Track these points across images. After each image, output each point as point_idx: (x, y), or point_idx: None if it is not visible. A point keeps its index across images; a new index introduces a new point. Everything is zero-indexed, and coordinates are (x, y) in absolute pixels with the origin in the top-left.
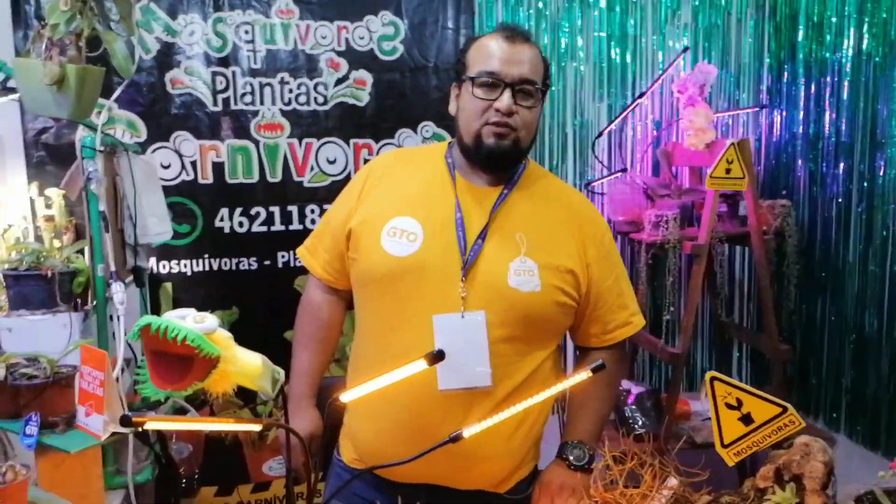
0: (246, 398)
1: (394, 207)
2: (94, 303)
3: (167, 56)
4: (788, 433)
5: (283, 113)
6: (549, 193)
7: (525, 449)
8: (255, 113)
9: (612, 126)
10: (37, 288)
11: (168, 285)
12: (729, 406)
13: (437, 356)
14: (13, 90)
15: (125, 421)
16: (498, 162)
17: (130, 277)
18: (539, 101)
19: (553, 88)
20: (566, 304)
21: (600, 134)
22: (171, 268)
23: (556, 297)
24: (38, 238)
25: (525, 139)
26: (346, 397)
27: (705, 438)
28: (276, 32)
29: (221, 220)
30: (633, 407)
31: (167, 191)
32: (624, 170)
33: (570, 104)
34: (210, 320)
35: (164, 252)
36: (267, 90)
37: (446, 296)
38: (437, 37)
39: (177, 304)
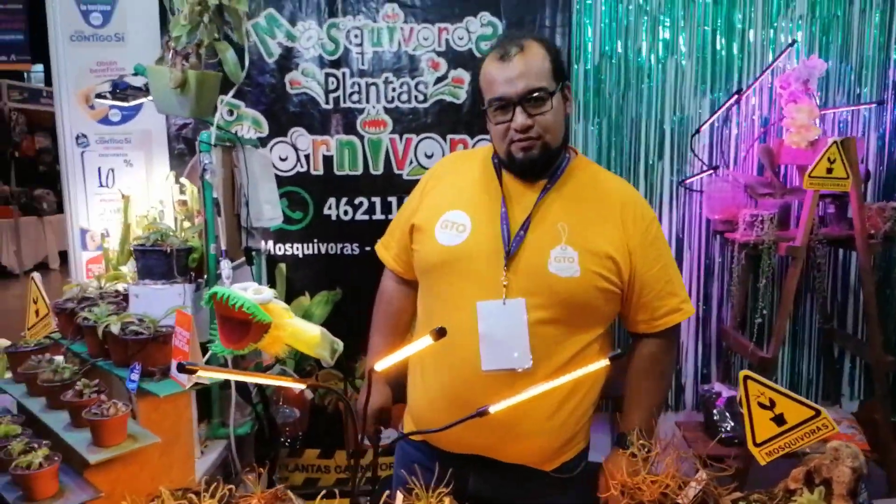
0: (345, 372)
1: (447, 202)
2: (206, 276)
3: (287, 59)
4: (821, 437)
5: (387, 110)
6: (594, 184)
7: (568, 430)
8: (362, 110)
9: (711, 122)
10: (158, 261)
11: (282, 265)
12: (762, 405)
13: (440, 332)
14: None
15: (181, 368)
16: (533, 169)
17: (242, 258)
18: (554, 100)
19: (650, 84)
20: (607, 290)
21: (698, 130)
22: (285, 250)
23: (595, 283)
24: (176, 220)
25: (553, 140)
26: (379, 366)
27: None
28: (382, 35)
29: (329, 208)
30: (722, 410)
31: (284, 181)
32: (716, 167)
33: (669, 100)
34: (266, 293)
35: (280, 236)
36: (372, 89)
37: (490, 283)
38: (536, 36)
39: (289, 283)
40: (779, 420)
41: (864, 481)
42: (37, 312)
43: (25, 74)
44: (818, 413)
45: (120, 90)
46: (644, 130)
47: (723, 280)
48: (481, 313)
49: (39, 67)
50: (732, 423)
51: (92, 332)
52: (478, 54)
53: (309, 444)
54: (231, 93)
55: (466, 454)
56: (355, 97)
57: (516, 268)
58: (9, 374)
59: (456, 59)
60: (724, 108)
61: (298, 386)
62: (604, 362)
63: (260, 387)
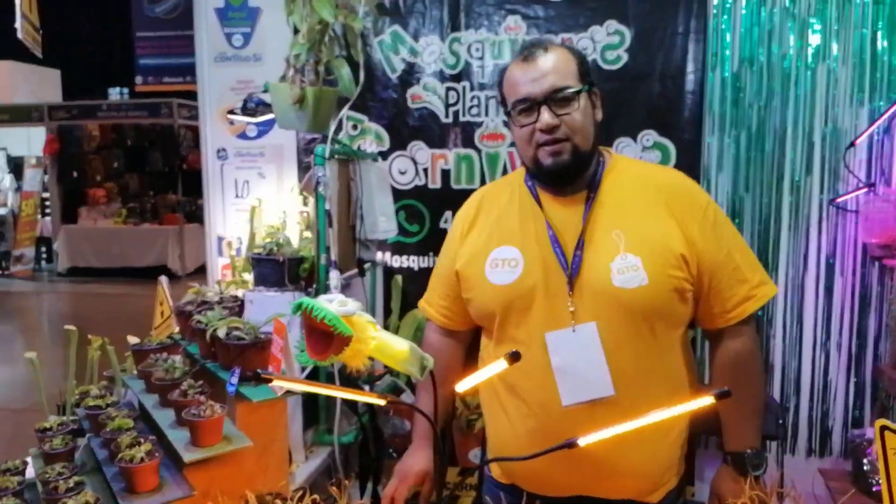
0: None
1: (492, 240)
2: (316, 285)
3: (409, 74)
4: None
5: (506, 123)
6: (639, 182)
7: (670, 458)
8: (480, 124)
9: (869, 134)
10: (272, 270)
11: (398, 277)
12: None
13: (514, 356)
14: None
15: (256, 377)
16: (565, 176)
17: (354, 269)
18: (581, 100)
19: (798, 92)
20: (682, 290)
21: (852, 143)
22: (402, 262)
23: (668, 286)
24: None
25: (583, 142)
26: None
27: None
28: (503, 48)
29: (445, 222)
30: (875, 460)
31: (403, 194)
32: (873, 185)
33: (819, 110)
34: (350, 305)
35: (397, 248)
36: (492, 102)
37: (556, 313)
38: (666, 43)
39: (405, 295)
40: None
41: None
42: (162, 314)
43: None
44: None
45: (248, 106)
46: (790, 143)
47: (881, 312)
48: (551, 346)
49: None
50: None
51: (202, 334)
52: (602, 65)
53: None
54: (346, 108)
55: (564, 497)
56: (474, 111)
57: (580, 291)
58: (135, 371)
59: None
60: (883, 118)
61: (377, 401)
62: (708, 399)
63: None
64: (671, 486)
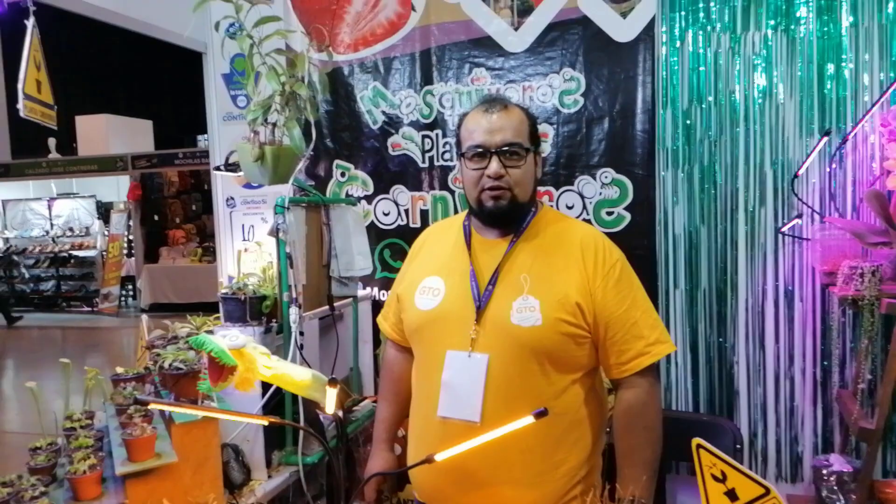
0: None
1: (425, 271)
2: (277, 321)
3: (389, 125)
4: None
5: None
6: (559, 233)
7: (554, 483)
8: (452, 167)
9: (820, 166)
10: (236, 307)
11: None
12: (715, 478)
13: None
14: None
15: (137, 401)
16: (501, 219)
17: (325, 306)
18: (528, 158)
19: (748, 127)
20: (575, 335)
21: (795, 175)
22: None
23: (559, 329)
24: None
25: (522, 194)
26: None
27: None
28: (471, 97)
29: None
30: (834, 486)
31: (387, 233)
32: (800, 216)
33: (769, 142)
34: (240, 339)
35: (384, 283)
36: None
37: (460, 338)
38: (618, 86)
39: None
40: (731, 495)
41: None
42: (142, 347)
43: None
44: (768, 492)
45: (230, 163)
46: (742, 175)
47: (844, 337)
48: (447, 362)
49: None
50: (843, 500)
51: (157, 365)
52: (561, 108)
53: (409, 480)
54: (301, 165)
55: None
56: (447, 155)
57: (484, 322)
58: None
59: (540, 114)
60: (815, 151)
61: (259, 421)
62: (528, 419)
63: (339, 422)
64: None
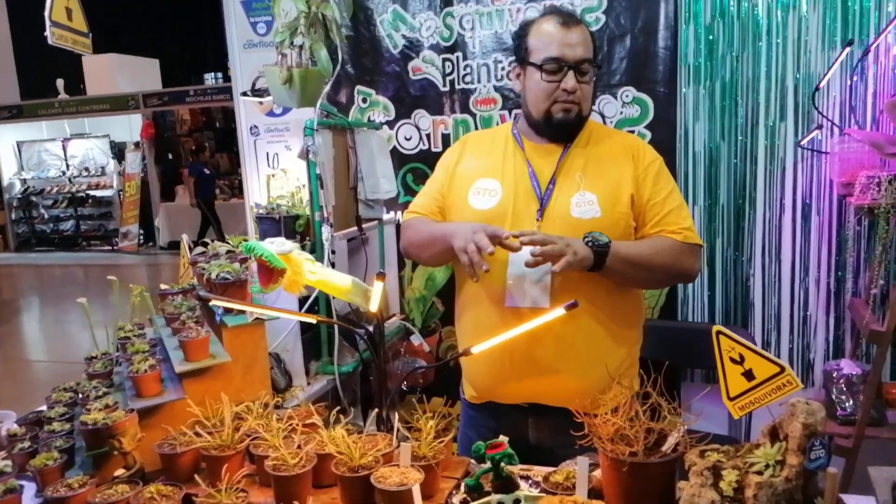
0: None
1: (476, 173)
2: (311, 238)
3: (409, 49)
4: (786, 393)
5: (496, 89)
6: (605, 139)
7: (604, 372)
8: (473, 90)
9: (840, 78)
10: (271, 226)
11: None
12: (733, 360)
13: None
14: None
15: (199, 297)
16: (565, 130)
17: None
18: (593, 74)
19: (770, 41)
20: (629, 224)
21: (817, 87)
22: None
23: (618, 219)
24: None
25: (586, 109)
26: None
27: None
28: (492, 18)
29: None
30: (843, 388)
31: (409, 158)
32: (819, 127)
33: (791, 57)
34: (287, 245)
35: (407, 207)
36: (483, 70)
37: None
38: (640, 3)
39: None
40: (748, 375)
41: (821, 439)
42: (184, 265)
43: None
44: (783, 370)
45: (256, 88)
46: (763, 90)
47: (858, 248)
48: (512, 256)
49: None
50: (852, 402)
51: (203, 278)
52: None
53: (437, 394)
54: (328, 83)
55: (522, 405)
56: (468, 78)
57: (547, 218)
58: None
59: None
60: (837, 62)
61: (309, 319)
62: (560, 311)
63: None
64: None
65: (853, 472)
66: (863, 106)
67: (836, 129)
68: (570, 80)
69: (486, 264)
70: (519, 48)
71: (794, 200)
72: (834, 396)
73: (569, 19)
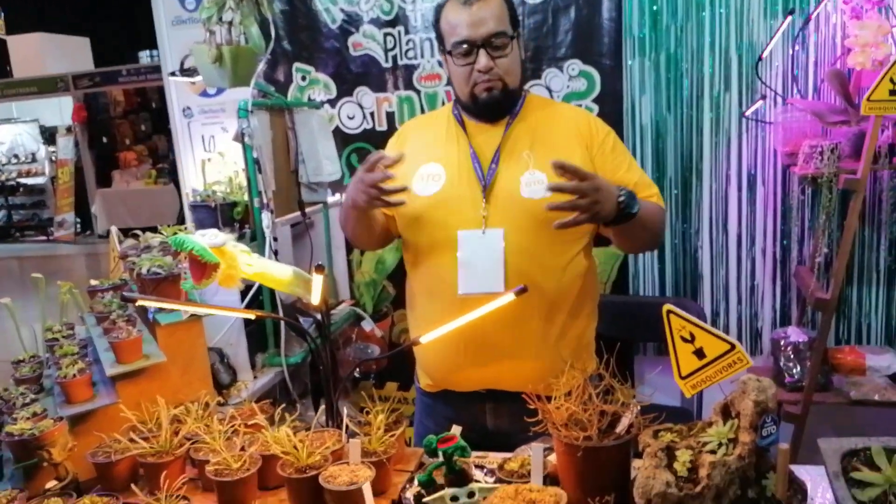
0: None
1: (419, 160)
2: (250, 226)
3: (349, 23)
4: (737, 370)
5: (440, 64)
6: (551, 113)
7: (563, 352)
8: (417, 66)
9: (783, 48)
10: (207, 215)
11: None
12: (683, 339)
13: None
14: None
15: (125, 298)
16: (495, 109)
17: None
18: (513, 44)
19: (713, 11)
20: None
21: (760, 57)
22: None
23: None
24: None
25: (512, 82)
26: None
27: (864, 395)
28: None
29: None
30: (791, 355)
31: (353, 138)
32: (763, 98)
33: (734, 27)
34: (220, 237)
35: None
36: (426, 45)
37: (470, 218)
38: None
39: None
40: (699, 354)
41: (772, 415)
42: (114, 259)
43: None
44: (733, 347)
45: (185, 68)
46: (707, 61)
47: (803, 216)
48: (461, 242)
49: None
50: (799, 369)
51: (134, 273)
52: None
53: (390, 379)
54: (262, 61)
55: (479, 391)
56: (411, 54)
57: (493, 199)
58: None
59: None
60: (779, 31)
61: (248, 315)
62: (509, 296)
63: (319, 323)
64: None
65: (801, 439)
66: (805, 75)
67: (779, 99)
68: (482, 60)
69: (396, 197)
70: (437, 37)
71: (740, 171)
72: (782, 364)
73: None
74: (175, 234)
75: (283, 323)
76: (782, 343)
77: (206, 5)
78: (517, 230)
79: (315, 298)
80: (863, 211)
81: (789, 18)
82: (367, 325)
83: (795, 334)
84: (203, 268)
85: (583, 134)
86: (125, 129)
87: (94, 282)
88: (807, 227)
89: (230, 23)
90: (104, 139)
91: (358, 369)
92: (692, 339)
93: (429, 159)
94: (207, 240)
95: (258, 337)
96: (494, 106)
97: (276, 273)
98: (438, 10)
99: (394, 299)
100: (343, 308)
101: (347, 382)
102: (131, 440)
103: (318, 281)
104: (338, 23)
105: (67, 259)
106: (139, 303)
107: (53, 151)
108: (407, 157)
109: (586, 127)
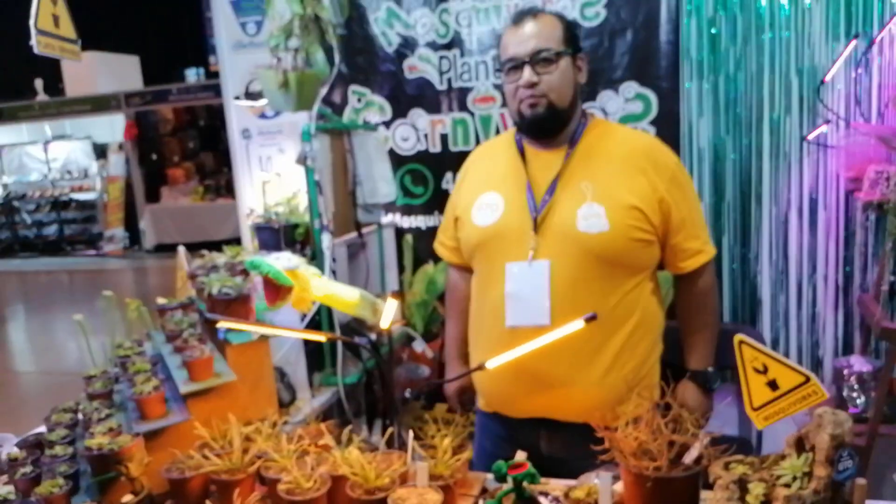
0: None
1: (480, 188)
2: (311, 247)
3: (405, 46)
4: (811, 403)
5: (495, 86)
6: (614, 141)
7: (622, 383)
8: (471, 88)
9: (846, 72)
10: (270, 236)
11: (409, 237)
12: (756, 370)
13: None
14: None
15: (207, 320)
16: (542, 128)
17: (354, 232)
18: (561, 62)
19: (773, 34)
20: (642, 238)
21: (822, 81)
22: (410, 223)
23: (627, 234)
24: None
25: (559, 100)
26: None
27: None
28: (489, 14)
29: (447, 182)
30: (854, 385)
31: (407, 159)
32: (826, 122)
33: (795, 49)
34: (293, 261)
35: (405, 210)
36: (481, 68)
37: (519, 249)
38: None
39: (415, 252)
40: (773, 385)
41: (848, 449)
42: (181, 278)
43: None
44: (808, 380)
45: (250, 91)
46: (767, 84)
47: (866, 242)
48: (508, 274)
49: None
50: (863, 399)
51: (204, 293)
52: (583, 22)
53: (441, 400)
54: (325, 88)
55: (534, 418)
56: (466, 76)
57: (545, 230)
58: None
59: None
60: (843, 56)
61: (318, 337)
62: (579, 323)
63: (374, 345)
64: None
65: (867, 471)
66: (868, 99)
67: (841, 123)
68: (525, 75)
69: None
70: (498, 61)
71: (801, 196)
72: (845, 394)
73: (522, 15)
74: (238, 253)
75: (339, 343)
76: (845, 372)
77: (274, 33)
78: (569, 263)
79: (385, 322)
80: None
81: (854, 42)
82: (419, 345)
83: (859, 363)
84: (277, 290)
85: (648, 165)
86: (174, 146)
87: (161, 300)
88: (870, 253)
89: (296, 49)
90: (153, 156)
91: (408, 390)
92: (765, 371)
93: (488, 188)
94: (281, 263)
95: (315, 356)
96: (540, 123)
97: (345, 295)
98: (499, 37)
99: (444, 320)
100: (395, 328)
101: (399, 404)
102: (204, 457)
103: (391, 306)
104: (394, 46)
105: (116, 273)
106: (219, 324)
107: (105, 168)
108: (470, 184)
109: (653, 158)
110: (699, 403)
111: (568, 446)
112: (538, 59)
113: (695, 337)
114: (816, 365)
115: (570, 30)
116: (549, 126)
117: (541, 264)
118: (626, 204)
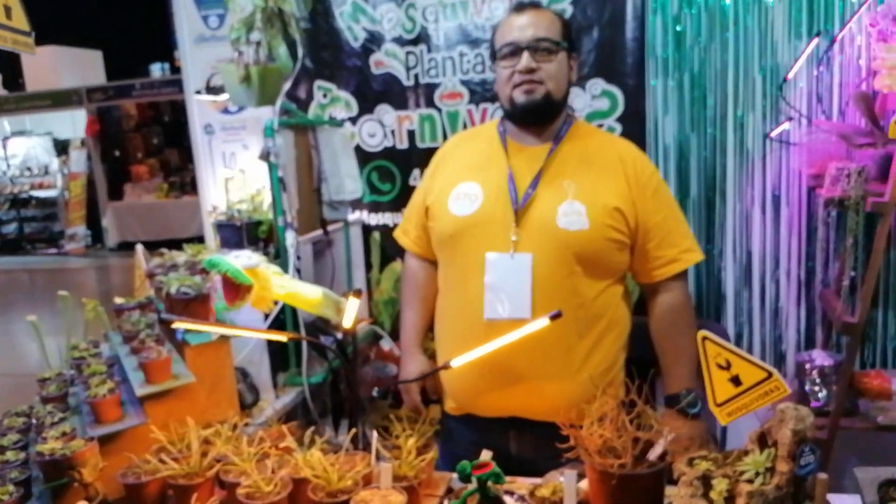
0: None
1: (457, 177)
2: (275, 245)
3: (371, 42)
4: (774, 399)
5: (462, 82)
6: (596, 143)
7: (588, 382)
8: (438, 84)
9: (809, 70)
10: (232, 233)
11: (376, 234)
12: (719, 366)
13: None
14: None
15: (162, 320)
16: (534, 115)
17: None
18: (560, 56)
19: (737, 31)
20: (618, 240)
21: (784, 79)
22: (378, 220)
23: (605, 234)
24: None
25: (556, 90)
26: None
27: (891, 420)
28: (456, 9)
29: (414, 179)
30: (816, 379)
31: (373, 156)
32: (789, 120)
33: (758, 47)
34: (253, 259)
35: (373, 207)
36: (448, 63)
37: (500, 241)
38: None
39: (383, 249)
40: (735, 381)
41: (810, 444)
42: (139, 277)
43: None
44: (770, 375)
45: (211, 86)
46: (731, 82)
47: (828, 238)
48: (489, 264)
49: None
50: (825, 393)
51: (162, 293)
52: None
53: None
54: (288, 82)
55: (504, 417)
56: (433, 72)
57: (526, 224)
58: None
59: None
60: (804, 54)
61: (279, 337)
62: (543, 321)
63: (339, 343)
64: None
65: (828, 465)
66: (829, 97)
67: (803, 121)
68: (523, 61)
69: None
70: (490, 53)
71: (764, 192)
72: (807, 388)
73: (524, 5)
74: (199, 251)
75: (304, 342)
76: (807, 367)
77: (235, 26)
78: (548, 258)
79: (347, 322)
80: (889, 233)
81: (815, 40)
82: (386, 343)
83: (821, 358)
84: (237, 289)
85: (627, 170)
86: (137, 142)
87: (119, 300)
88: (832, 249)
89: (258, 43)
90: (116, 152)
91: (376, 388)
92: (728, 367)
93: (467, 178)
94: (241, 261)
95: (280, 356)
96: (534, 110)
97: (307, 294)
98: (495, 27)
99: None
100: (362, 327)
101: (366, 403)
102: (161, 461)
103: (353, 305)
104: (360, 41)
105: (78, 272)
106: (175, 324)
107: (66, 164)
108: (445, 173)
109: (632, 164)
110: (687, 430)
111: (537, 447)
112: (538, 48)
113: (671, 356)
114: (780, 359)
115: (568, 28)
116: (540, 114)
117: (523, 257)
118: (606, 204)
